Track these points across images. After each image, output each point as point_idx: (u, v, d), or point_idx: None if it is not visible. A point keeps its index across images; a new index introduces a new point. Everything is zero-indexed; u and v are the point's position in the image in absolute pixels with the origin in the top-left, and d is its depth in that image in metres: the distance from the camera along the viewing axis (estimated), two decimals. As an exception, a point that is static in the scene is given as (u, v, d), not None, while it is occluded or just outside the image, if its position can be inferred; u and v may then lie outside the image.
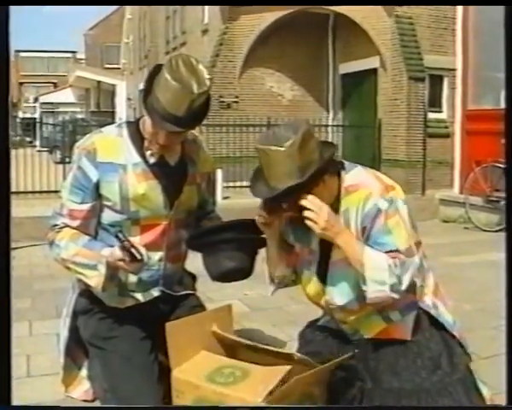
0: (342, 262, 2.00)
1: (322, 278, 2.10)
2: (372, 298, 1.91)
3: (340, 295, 2.05)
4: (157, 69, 2.06)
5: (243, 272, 2.20)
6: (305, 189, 1.91)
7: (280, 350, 2.09)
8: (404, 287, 1.90)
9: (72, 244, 2.12)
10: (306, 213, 1.91)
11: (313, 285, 2.13)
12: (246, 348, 2.12)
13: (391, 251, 1.91)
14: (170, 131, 2.03)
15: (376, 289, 1.89)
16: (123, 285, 2.19)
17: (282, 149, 1.88)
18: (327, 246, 2.04)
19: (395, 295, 1.90)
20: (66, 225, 2.16)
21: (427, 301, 2.12)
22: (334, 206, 1.99)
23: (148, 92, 2.05)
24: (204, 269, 2.21)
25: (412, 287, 2.00)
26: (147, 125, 2.14)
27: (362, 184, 2.01)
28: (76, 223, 2.16)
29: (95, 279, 2.08)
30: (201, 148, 2.36)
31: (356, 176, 2.05)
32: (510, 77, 1.59)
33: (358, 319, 2.08)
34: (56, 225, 2.18)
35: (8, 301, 1.48)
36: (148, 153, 2.15)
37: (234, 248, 2.16)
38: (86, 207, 2.14)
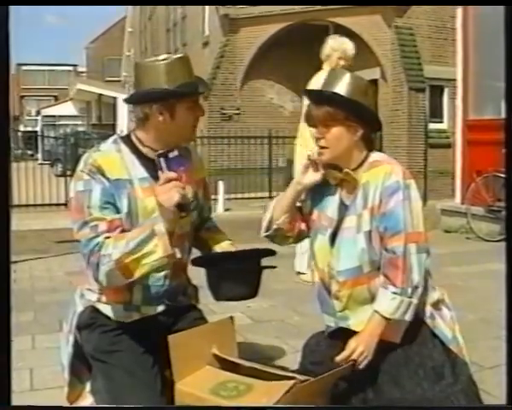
0: (352, 230, 2.11)
1: (333, 242, 2.17)
2: (407, 316, 2.03)
3: (342, 259, 2.13)
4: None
5: (250, 296, 2.21)
6: (343, 112, 2.09)
7: (282, 373, 2.06)
8: (416, 280, 2.02)
9: (120, 241, 2.00)
10: None
11: (323, 249, 2.21)
12: (248, 367, 2.12)
13: (399, 232, 2.02)
14: (204, 91, 2.18)
15: (403, 310, 2.02)
16: (128, 300, 2.18)
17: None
18: (342, 214, 2.16)
19: (418, 293, 2.03)
20: (108, 237, 2.04)
21: (425, 310, 2.14)
22: (355, 181, 2.13)
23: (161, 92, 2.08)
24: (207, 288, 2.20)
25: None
26: (162, 124, 2.10)
27: (385, 161, 2.17)
28: (118, 231, 2.05)
29: (159, 247, 1.97)
30: (193, 154, 2.37)
31: (381, 155, 2.23)
32: (510, 81, 1.57)
33: (351, 299, 2.13)
34: (97, 244, 2.02)
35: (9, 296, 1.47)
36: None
37: (243, 277, 2.15)
38: (121, 215, 2.09)
